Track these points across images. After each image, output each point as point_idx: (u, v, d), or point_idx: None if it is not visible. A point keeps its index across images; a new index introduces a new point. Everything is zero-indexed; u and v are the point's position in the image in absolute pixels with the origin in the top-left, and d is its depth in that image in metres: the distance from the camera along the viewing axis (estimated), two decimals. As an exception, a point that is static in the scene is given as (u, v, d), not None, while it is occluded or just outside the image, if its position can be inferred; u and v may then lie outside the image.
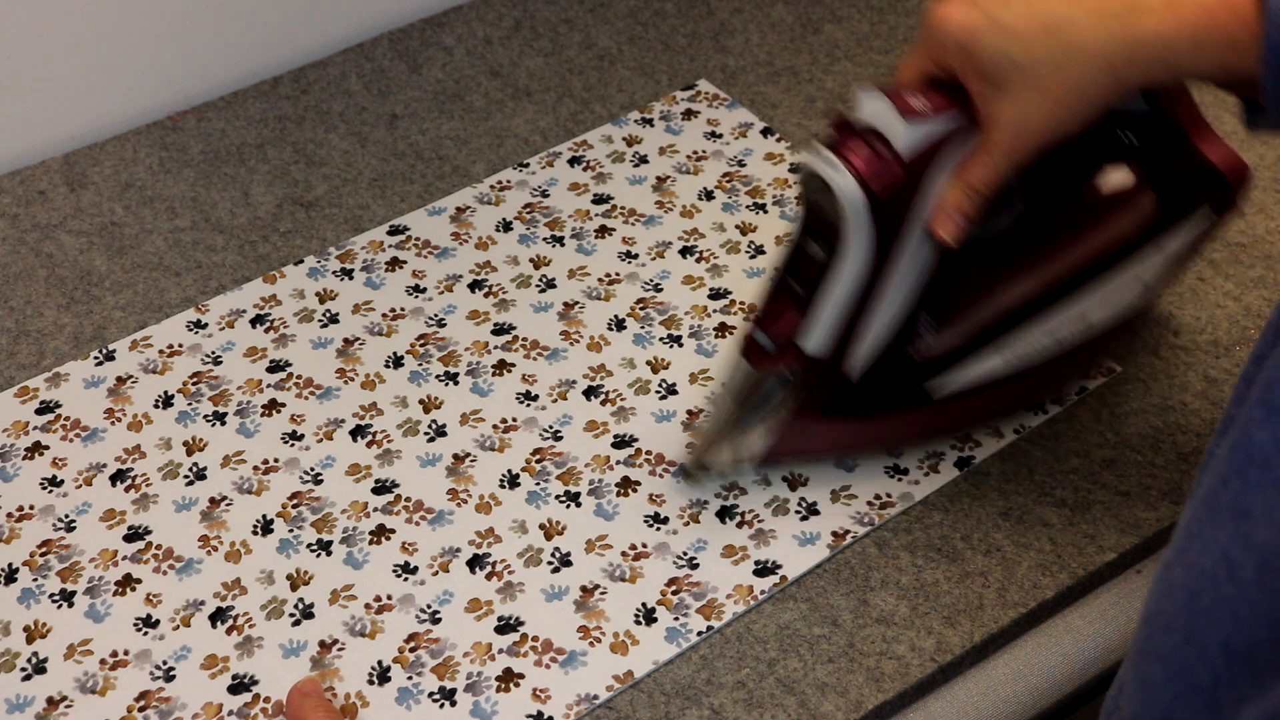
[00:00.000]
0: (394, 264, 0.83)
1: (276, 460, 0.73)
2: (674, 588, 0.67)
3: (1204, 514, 0.39)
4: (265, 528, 0.70)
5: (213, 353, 0.78)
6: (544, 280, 0.82)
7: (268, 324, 0.80)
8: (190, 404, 0.76)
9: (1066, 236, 0.70)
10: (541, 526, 0.70)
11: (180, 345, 0.79)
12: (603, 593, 0.67)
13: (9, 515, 0.71)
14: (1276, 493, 0.36)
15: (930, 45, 0.63)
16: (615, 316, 0.80)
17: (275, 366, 0.77)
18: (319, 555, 0.69)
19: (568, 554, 0.69)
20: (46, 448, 0.74)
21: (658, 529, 0.70)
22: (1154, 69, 0.59)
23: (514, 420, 0.75)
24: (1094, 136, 0.67)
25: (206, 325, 0.80)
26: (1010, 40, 0.60)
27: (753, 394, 0.68)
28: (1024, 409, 0.75)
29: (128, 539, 0.70)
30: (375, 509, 0.71)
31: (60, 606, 0.67)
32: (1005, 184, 0.63)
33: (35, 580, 0.68)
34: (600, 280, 0.82)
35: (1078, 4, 0.59)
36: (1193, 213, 0.71)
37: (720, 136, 0.91)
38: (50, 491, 0.72)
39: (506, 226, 0.86)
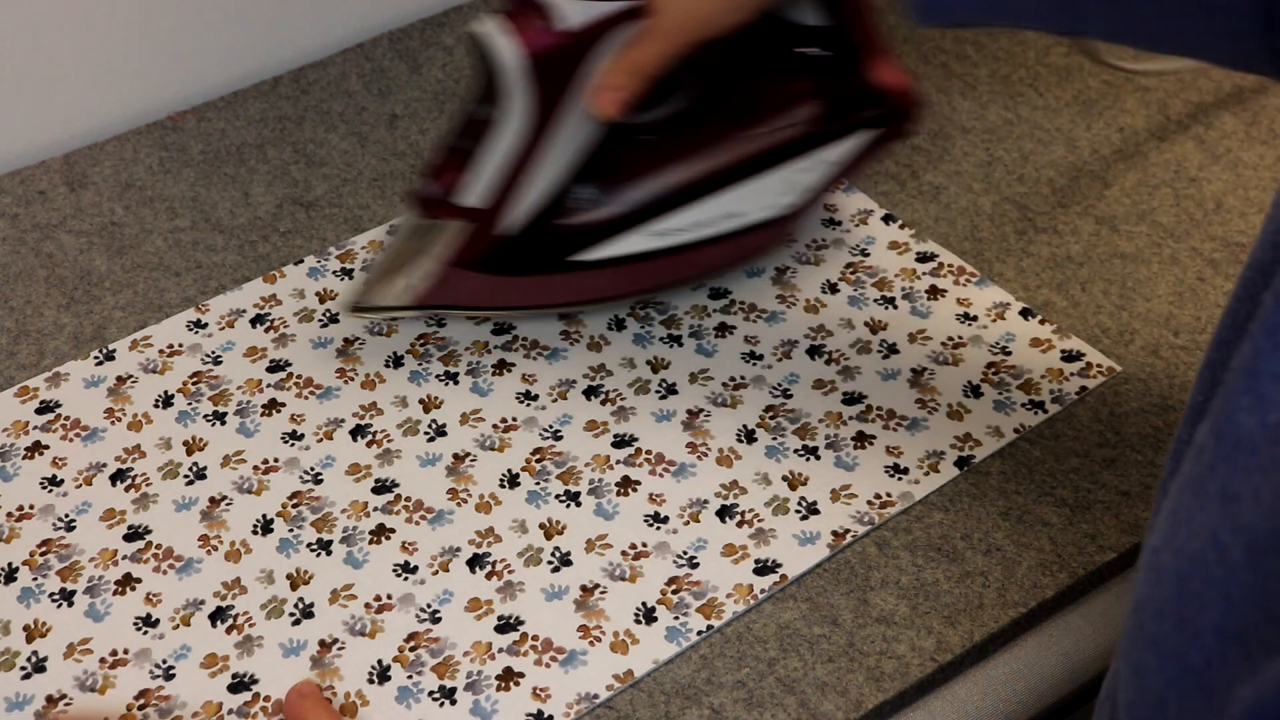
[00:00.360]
0: (394, 264, 0.83)
1: (276, 460, 0.73)
2: (674, 587, 0.67)
3: (1190, 500, 0.39)
4: (265, 527, 0.70)
5: (213, 353, 0.78)
6: (544, 280, 0.82)
7: (268, 324, 0.80)
8: (190, 404, 0.76)
9: (725, 132, 0.74)
10: (541, 526, 0.70)
11: (180, 345, 0.79)
12: (603, 592, 0.67)
13: (9, 515, 0.71)
14: (1263, 476, 0.37)
15: None
16: (615, 317, 0.80)
17: (275, 366, 0.77)
18: (319, 555, 0.69)
19: (568, 553, 0.69)
20: (46, 447, 0.74)
21: (657, 528, 0.70)
22: None
23: (514, 420, 0.75)
24: (767, 41, 0.75)
25: (206, 325, 0.80)
26: None
27: (416, 241, 0.72)
28: (673, 289, 0.79)
29: (128, 538, 0.70)
30: (375, 508, 0.71)
31: (60, 606, 0.67)
32: (665, 70, 0.69)
33: (35, 580, 0.68)
34: (600, 280, 0.82)
35: None
36: (855, 129, 0.76)
37: (720, 136, 0.91)
38: (50, 491, 0.72)
39: (506, 226, 0.86)
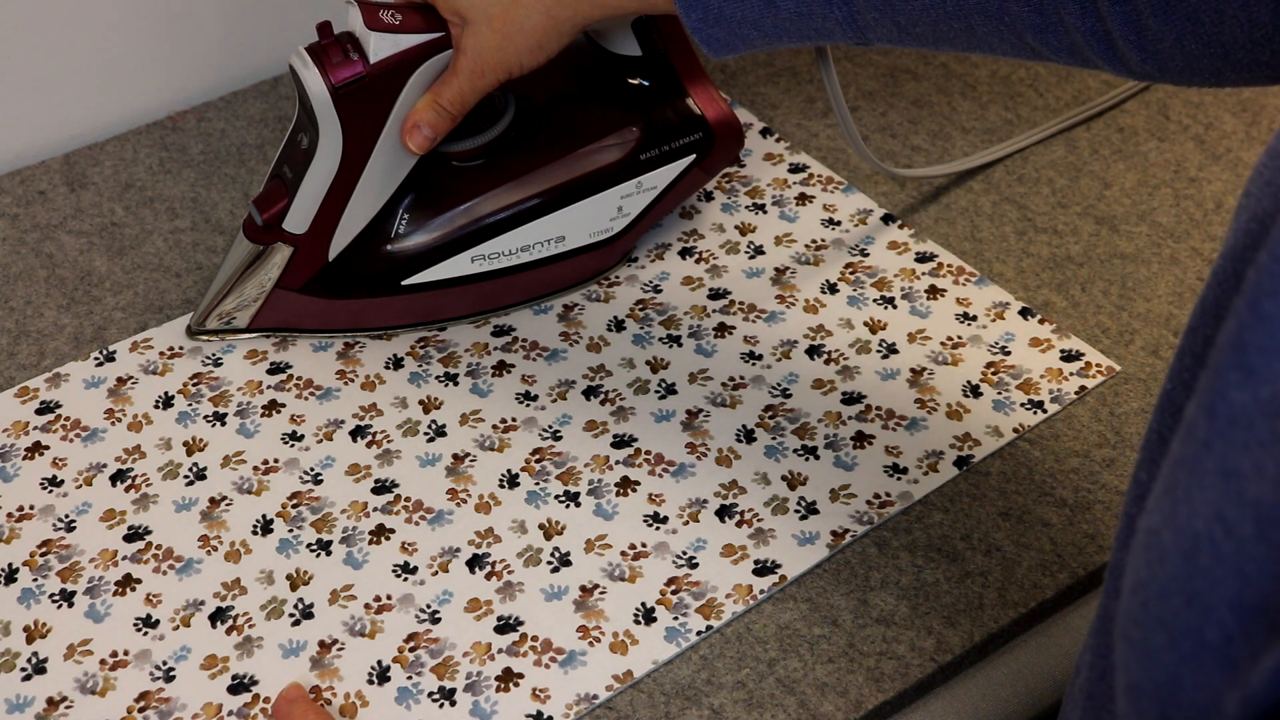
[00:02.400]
0: (394, 264, 0.83)
1: (276, 460, 0.73)
2: (673, 587, 0.67)
3: (1186, 478, 0.39)
4: (265, 528, 0.70)
5: (213, 355, 0.78)
6: (543, 280, 0.82)
7: (268, 324, 0.80)
8: (190, 404, 0.76)
9: (545, 159, 0.77)
10: (541, 526, 0.70)
11: (181, 347, 0.79)
12: (602, 592, 0.67)
13: (9, 515, 0.71)
14: (1263, 450, 0.37)
15: None
16: (615, 317, 0.80)
17: (275, 368, 0.78)
18: (319, 555, 0.69)
19: (567, 554, 0.69)
20: (46, 448, 0.74)
21: (657, 528, 0.70)
22: (582, 6, 0.69)
23: (513, 420, 0.75)
24: (589, 70, 0.79)
25: (206, 325, 0.80)
26: None
27: (247, 265, 0.75)
28: (505, 310, 0.80)
29: (128, 539, 0.70)
30: (375, 509, 0.71)
31: (60, 606, 0.67)
32: (469, 107, 0.73)
33: (35, 580, 0.68)
34: (600, 283, 0.82)
35: None
36: (675, 157, 0.79)
37: (720, 137, 0.91)
38: (50, 491, 0.72)
39: (506, 227, 0.86)
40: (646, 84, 0.79)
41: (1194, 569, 0.39)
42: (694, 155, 0.79)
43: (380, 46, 0.70)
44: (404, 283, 0.77)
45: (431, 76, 0.72)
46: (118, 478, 0.72)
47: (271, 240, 0.74)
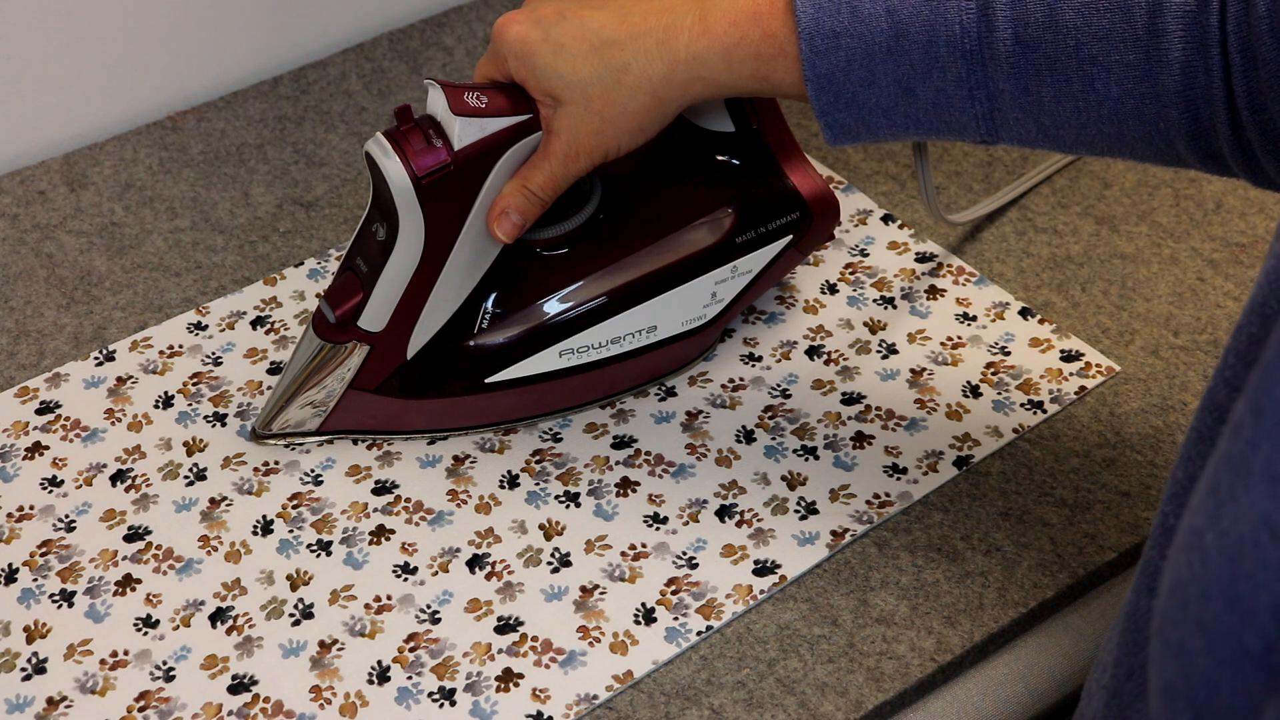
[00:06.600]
0: (394, 264, 0.83)
1: (276, 461, 0.73)
2: (673, 587, 0.67)
3: (1232, 479, 0.39)
4: (265, 528, 0.70)
5: (213, 354, 0.78)
6: (544, 280, 0.82)
7: (268, 325, 0.80)
8: (190, 404, 0.76)
9: (637, 244, 0.73)
10: (541, 527, 0.70)
11: (180, 346, 0.79)
12: (602, 593, 0.67)
13: (9, 515, 0.71)
14: None
15: (495, 54, 0.67)
16: (615, 317, 0.80)
17: (276, 368, 0.77)
18: (319, 555, 0.69)
19: (567, 554, 0.69)
20: (46, 448, 0.74)
21: (657, 529, 0.70)
22: (693, 86, 0.64)
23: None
24: (679, 149, 0.74)
25: (207, 327, 0.80)
26: (561, 58, 0.64)
27: (317, 364, 0.70)
28: (585, 408, 0.75)
29: (128, 539, 0.70)
30: (375, 509, 0.71)
31: (60, 606, 0.67)
32: (560, 192, 0.68)
33: (35, 580, 0.68)
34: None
35: (622, 24, 0.64)
36: (774, 237, 0.74)
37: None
38: (50, 491, 0.72)
39: (506, 226, 0.86)
40: (737, 162, 0.75)
41: (1237, 573, 0.38)
42: (790, 236, 0.75)
43: (466, 132, 0.66)
44: (484, 381, 0.72)
45: (518, 161, 0.68)
46: (118, 478, 0.72)
47: (345, 339, 0.69)
